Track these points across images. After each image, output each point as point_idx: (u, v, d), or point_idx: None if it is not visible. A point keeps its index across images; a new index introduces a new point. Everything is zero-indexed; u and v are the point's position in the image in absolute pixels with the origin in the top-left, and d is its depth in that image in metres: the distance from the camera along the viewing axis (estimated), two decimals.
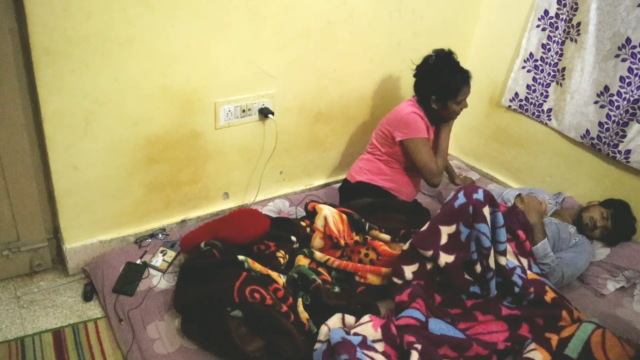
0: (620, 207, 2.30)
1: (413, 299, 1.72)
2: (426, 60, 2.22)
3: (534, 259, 1.98)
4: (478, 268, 1.81)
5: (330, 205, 2.15)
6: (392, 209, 2.24)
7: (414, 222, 2.19)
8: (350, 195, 2.38)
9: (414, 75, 2.26)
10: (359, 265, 1.94)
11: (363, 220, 2.08)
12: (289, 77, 2.24)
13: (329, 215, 2.03)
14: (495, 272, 1.80)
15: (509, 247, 1.91)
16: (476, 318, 1.76)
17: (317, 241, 2.02)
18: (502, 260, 1.79)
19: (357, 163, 2.43)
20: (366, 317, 1.64)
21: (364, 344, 1.50)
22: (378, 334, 1.57)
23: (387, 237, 2.05)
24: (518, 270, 1.82)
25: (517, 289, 1.78)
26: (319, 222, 2.03)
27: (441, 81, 2.16)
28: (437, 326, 1.65)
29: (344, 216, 2.08)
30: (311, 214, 2.11)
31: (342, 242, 2.00)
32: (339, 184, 2.65)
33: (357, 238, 2.04)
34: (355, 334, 1.55)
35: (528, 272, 1.88)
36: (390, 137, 2.27)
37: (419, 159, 2.21)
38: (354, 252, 2.01)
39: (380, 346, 1.54)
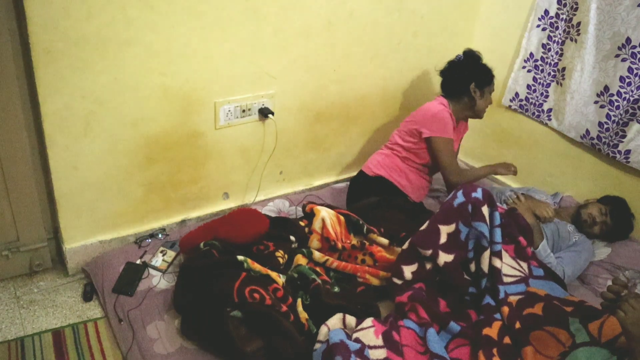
0: (618, 203, 2.30)
1: (413, 302, 1.72)
2: (452, 61, 2.33)
3: (536, 261, 1.97)
4: (473, 267, 1.81)
5: (328, 206, 2.14)
6: (397, 207, 2.22)
7: (417, 224, 2.18)
8: (364, 188, 2.37)
9: (442, 75, 2.34)
10: (357, 266, 1.93)
11: (361, 222, 2.07)
12: (289, 77, 2.24)
13: (327, 217, 2.01)
14: (488, 274, 1.78)
15: (506, 251, 1.89)
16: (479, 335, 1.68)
17: (314, 243, 2.01)
18: (497, 263, 1.78)
19: (375, 157, 2.42)
20: (369, 322, 1.63)
21: (361, 352, 1.49)
22: (379, 341, 1.56)
23: (385, 241, 2.02)
24: (512, 289, 1.80)
25: (496, 299, 1.75)
26: (316, 224, 2.01)
27: (479, 67, 2.28)
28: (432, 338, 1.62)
29: (342, 218, 2.07)
30: (309, 215, 2.10)
31: (339, 245, 1.99)
32: (339, 184, 2.64)
33: (354, 242, 2.02)
34: (356, 340, 1.55)
35: (529, 287, 1.82)
36: (417, 133, 2.27)
37: (443, 159, 2.25)
38: (350, 257, 2.00)
39: (381, 353, 1.54)
